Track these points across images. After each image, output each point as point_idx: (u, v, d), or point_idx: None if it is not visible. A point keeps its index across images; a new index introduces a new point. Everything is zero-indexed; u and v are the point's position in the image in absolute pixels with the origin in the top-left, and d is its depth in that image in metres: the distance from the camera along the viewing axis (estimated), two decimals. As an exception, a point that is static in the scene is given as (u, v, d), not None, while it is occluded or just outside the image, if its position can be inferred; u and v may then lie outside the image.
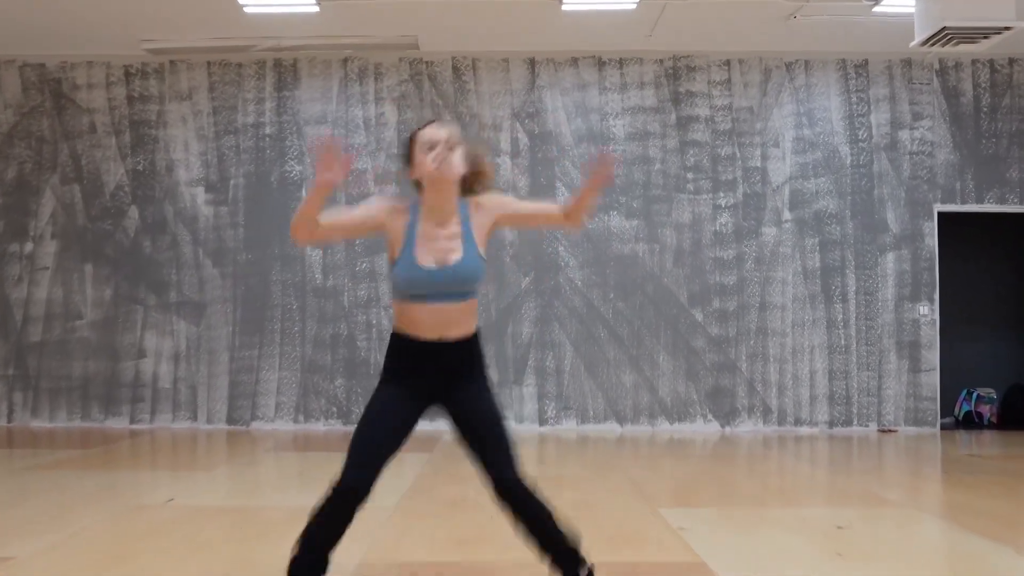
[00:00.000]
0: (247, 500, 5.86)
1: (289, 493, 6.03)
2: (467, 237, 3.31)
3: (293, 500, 5.65)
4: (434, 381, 3.30)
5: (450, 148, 3.26)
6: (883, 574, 4.02)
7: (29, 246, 10.00)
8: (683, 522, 4.98)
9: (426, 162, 3.25)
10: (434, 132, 3.29)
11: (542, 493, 3.25)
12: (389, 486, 5.92)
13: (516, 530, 3.27)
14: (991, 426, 10.54)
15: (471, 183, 3.40)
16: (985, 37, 7.99)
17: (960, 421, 10.73)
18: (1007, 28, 7.76)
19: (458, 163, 3.28)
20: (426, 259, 3.24)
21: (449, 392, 3.31)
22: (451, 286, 3.26)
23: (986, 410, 10.69)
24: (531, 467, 6.71)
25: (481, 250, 3.33)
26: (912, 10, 8.31)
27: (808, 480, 6.86)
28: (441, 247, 3.27)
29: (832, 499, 6.07)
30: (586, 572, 3.24)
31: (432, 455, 7.66)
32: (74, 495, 5.83)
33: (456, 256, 3.26)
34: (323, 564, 3.26)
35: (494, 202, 3.41)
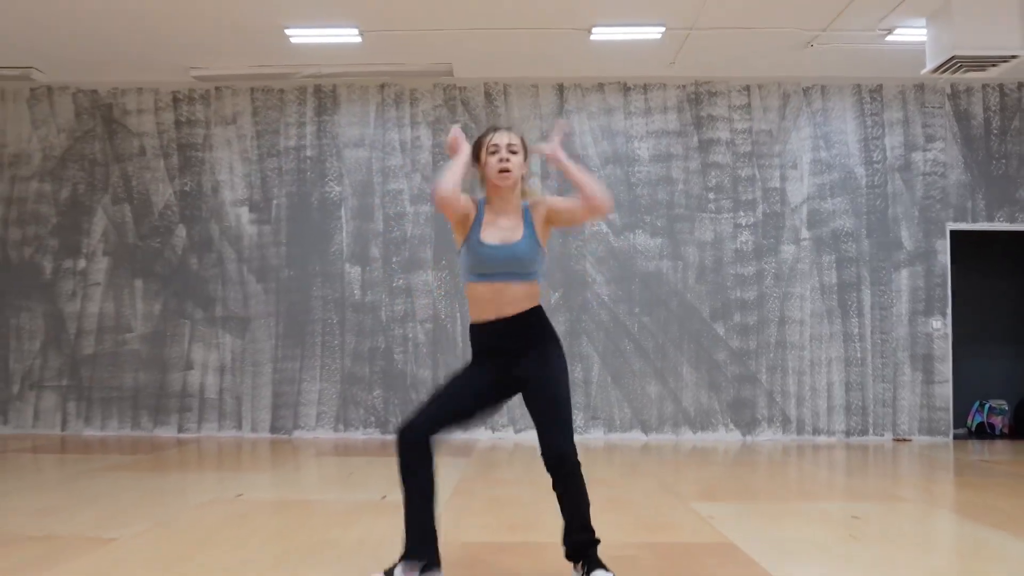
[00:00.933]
0: (309, 495, 6.31)
1: (346, 489, 6.47)
2: (527, 224, 3.81)
3: (351, 495, 6.13)
4: (499, 357, 3.75)
5: (511, 153, 3.79)
6: (894, 554, 4.44)
7: (82, 263, 10.52)
8: (712, 513, 5.42)
9: (490, 163, 3.79)
10: (498, 138, 3.81)
11: (584, 481, 3.66)
12: (447, 471, 6.39)
13: (558, 503, 3.69)
14: (1003, 436, 10.87)
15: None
16: (993, 65, 8.43)
17: (973, 432, 11.06)
18: (1014, 56, 8.20)
19: (516, 166, 3.80)
20: (491, 239, 3.76)
21: (515, 365, 3.74)
22: (511, 264, 3.73)
23: (998, 421, 11.02)
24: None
25: (540, 238, 3.80)
26: (923, 39, 8.78)
27: (826, 481, 7.27)
28: (504, 230, 3.78)
29: (848, 496, 6.48)
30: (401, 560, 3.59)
31: (470, 460, 8.11)
32: (150, 492, 6.30)
33: (517, 237, 3.76)
34: (432, 535, 3.64)
35: (546, 199, 3.88)
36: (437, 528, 3.68)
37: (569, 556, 3.70)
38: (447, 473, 7.01)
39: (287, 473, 7.45)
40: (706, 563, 4.16)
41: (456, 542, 4.52)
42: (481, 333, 3.80)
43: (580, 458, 3.63)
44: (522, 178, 3.88)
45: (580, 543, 3.65)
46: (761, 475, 7.57)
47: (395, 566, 3.57)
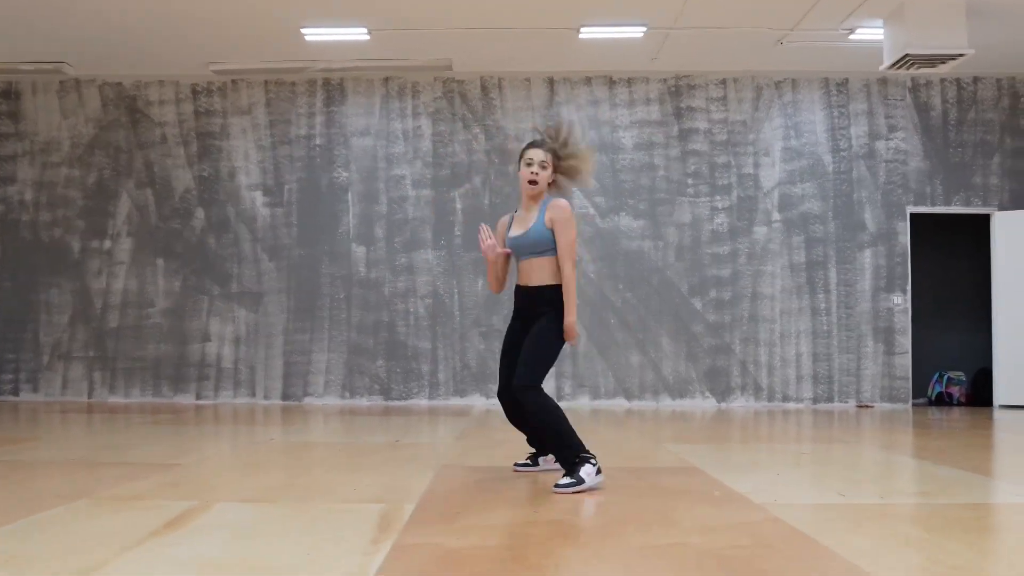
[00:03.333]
0: (334, 439, 7.14)
1: (362, 437, 7.30)
2: (539, 218, 4.88)
3: (371, 439, 6.98)
4: (523, 312, 4.96)
5: (541, 168, 4.88)
6: (830, 472, 5.31)
7: (108, 243, 11.26)
8: (683, 451, 6.30)
9: (523, 173, 4.93)
10: (533, 154, 4.90)
11: (542, 407, 4.65)
12: (442, 433, 7.24)
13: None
14: (960, 405, 11.62)
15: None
16: (942, 62, 9.21)
17: (932, 401, 11.84)
18: (961, 55, 9.01)
19: (543, 180, 4.90)
20: (516, 231, 5.00)
21: (529, 319, 4.92)
22: (526, 247, 4.91)
23: (956, 391, 11.79)
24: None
25: (548, 225, 4.84)
26: (881, 38, 9.57)
27: (787, 432, 8.13)
28: (524, 223, 4.95)
29: (802, 441, 7.34)
30: (580, 466, 4.60)
31: (469, 419, 8.96)
32: (192, 438, 7.13)
33: (529, 227, 4.92)
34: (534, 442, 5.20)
35: (558, 217, 4.84)
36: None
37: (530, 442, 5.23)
38: (453, 425, 7.90)
39: (310, 426, 8.27)
40: (670, 478, 5.03)
41: (463, 465, 5.41)
42: (519, 293, 5.00)
43: (539, 399, 4.67)
44: (553, 182, 4.99)
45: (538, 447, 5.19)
46: (732, 431, 8.42)
47: (586, 471, 4.53)
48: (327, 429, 8.05)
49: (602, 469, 4.64)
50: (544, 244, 4.85)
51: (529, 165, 4.87)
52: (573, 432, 4.63)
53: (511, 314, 5.09)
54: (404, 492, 4.45)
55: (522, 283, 4.94)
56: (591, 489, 4.46)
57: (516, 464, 5.28)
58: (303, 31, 9.76)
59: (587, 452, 4.58)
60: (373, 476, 5.00)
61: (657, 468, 5.46)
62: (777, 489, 4.61)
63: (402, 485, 4.67)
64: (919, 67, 9.29)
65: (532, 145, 4.93)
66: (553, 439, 4.65)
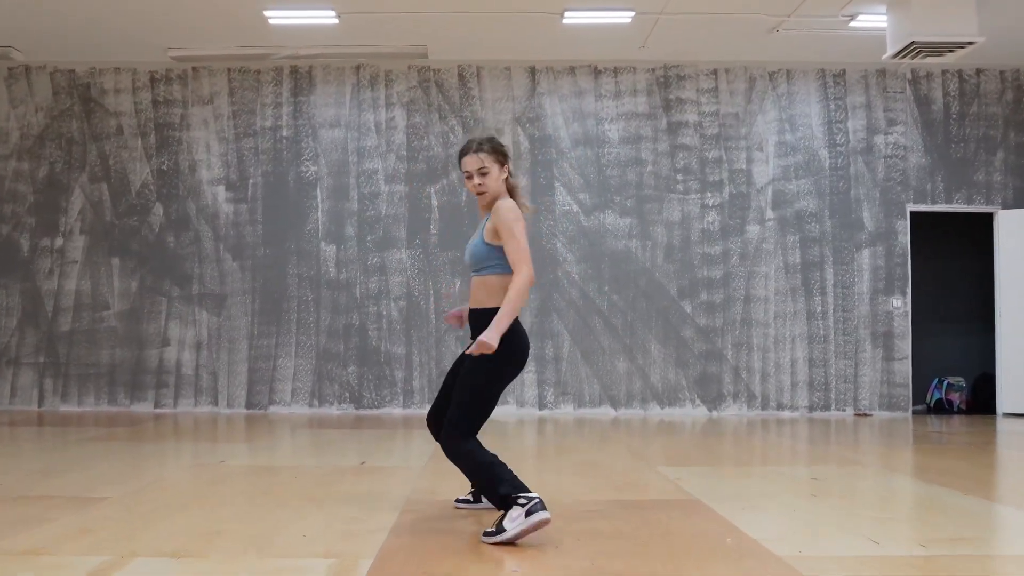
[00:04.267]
0: (289, 461, 6.50)
1: (324, 458, 6.67)
2: (481, 230, 4.25)
3: (330, 462, 6.33)
4: (473, 337, 4.23)
5: (481, 175, 4.24)
6: (851, 506, 4.71)
7: (59, 241, 10.59)
8: (679, 475, 5.68)
9: (468, 186, 4.32)
10: (468, 164, 4.25)
11: (467, 456, 3.99)
12: (412, 455, 6.62)
13: None
14: (960, 412, 11.16)
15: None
16: (950, 51, 8.71)
17: (931, 408, 11.38)
18: (970, 43, 8.48)
19: (489, 185, 4.25)
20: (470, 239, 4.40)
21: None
22: (469, 264, 4.31)
23: (956, 397, 11.33)
24: (533, 440, 7.42)
25: (487, 239, 4.16)
26: (884, 25, 9.04)
27: (788, 449, 7.56)
28: (474, 231, 4.30)
29: (809, 461, 6.76)
30: (516, 508, 3.79)
31: (445, 431, 8.32)
32: (135, 458, 6.48)
33: (474, 236, 4.31)
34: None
35: (497, 222, 4.11)
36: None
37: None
38: (423, 441, 7.26)
39: (269, 442, 7.63)
40: (671, 515, 4.41)
41: (431, 501, 4.76)
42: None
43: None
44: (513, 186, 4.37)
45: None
46: (726, 444, 7.84)
47: (511, 517, 3.75)
48: (289, 446, 7.42)
49: (544, 503, 3.76)
50: (484, 259, 4.20)
51: (469, 178, 4.28)
52: (504, 474, 3.90)
53: None
54: (361, 541, 3.81)
55: (469, 304, 4.34)
56: (518, 536, 3.72)
57: (457, 500, 4.65)
58: (266, 14, 9.14)
59: (516, 492, 3.80)
60: (328, 516, 4.35)
61: (654, 501, 4.83)
62: (798, 535, 4.00)
63: (360, 530, 4.03)
64: (925, 56, 8.77)
65: (462, 154, 4.31)
66: (483, 484, 3.98)
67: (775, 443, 7.99)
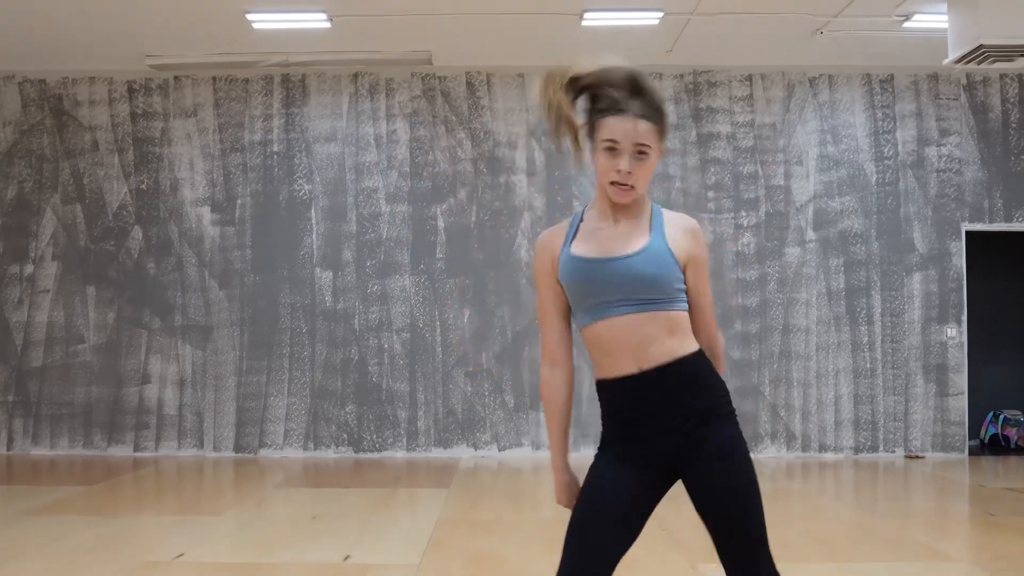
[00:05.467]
0: (259, 556, 5.51)
1: (301, 547, 5.71)
2: (656, 232, 2.50)
3: (305, 556, 5.38)
4: (652, 440, 2.47)
5: (639, 154, 2.44)
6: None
7: (29, 268, 9.93)
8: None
9: (601, 164, 2.47)
10: (621, 128, 2.42)
11: None
12: (408, 538, 5.71)
13: None
14: (1017, 449, 10.42)
15: None
16: (1021, 55, 7.82)
17: (986, 444, 10.63)
18: (1047, 46, 7.58)
19: (642, 179, 2.47)
20: (586, 249, 2.50)
21: (677, 454, 2.47)
22: (632, 281, 2.44)
23: (1012, 433, 10.56)
24: (549, 495, 6.45)
25: (673, 251, 2.50)
26: (944, 26, 8.16)
27: (850, 524, 6.61)
28: (610, 238, 2.51)
29: (882, 552, 5.78)
30: None
31: (450, 492, 7.41)
32: (77, 547, 5.54)
33: (633, 246, 2.47)
34: None
35: (701, 246, 2.61)
36: None
37: None
38: (419, 517, 6.35)
39: (244, 514, 6.73)
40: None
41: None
42: (620, 396, 2.51)
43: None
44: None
45: None
46: (776, 516, 6.89)
47: None
48: (266, 520, 6.51)
49: None
50: (674, 282, 2.48)
51: (611, 150, 2.43)
52: None
53: (610, 435, 2.57)
54: None
55: (632, 366, 2.44)
56: None
57: None
58: (249, 17, 8.42)
59: None
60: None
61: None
62: None
63: None
64: (995, 60, 7.86)
65: (615, 110, 2.43)
66: None
67: (834, 501, 7.05)
